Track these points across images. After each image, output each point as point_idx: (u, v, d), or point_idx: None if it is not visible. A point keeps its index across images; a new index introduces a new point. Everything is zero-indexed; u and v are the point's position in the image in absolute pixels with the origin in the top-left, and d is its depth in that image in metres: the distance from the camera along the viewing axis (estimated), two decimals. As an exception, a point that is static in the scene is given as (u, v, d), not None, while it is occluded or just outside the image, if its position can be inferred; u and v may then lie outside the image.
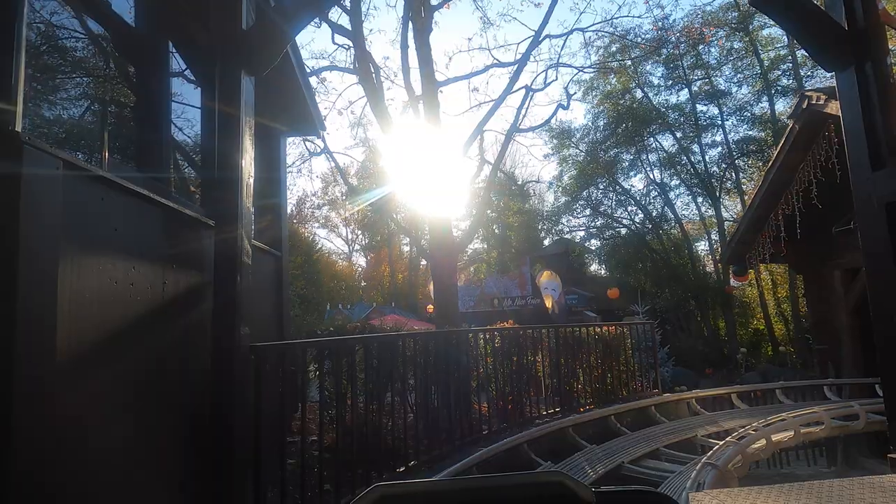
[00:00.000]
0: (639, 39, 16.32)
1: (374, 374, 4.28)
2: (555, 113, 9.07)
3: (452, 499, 0.76)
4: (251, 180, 2.73)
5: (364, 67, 7.82)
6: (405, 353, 4.49)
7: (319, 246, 42.93)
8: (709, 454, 4.07)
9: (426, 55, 7.94)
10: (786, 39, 23.28)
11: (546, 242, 29.83)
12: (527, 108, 9.29)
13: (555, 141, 24.28)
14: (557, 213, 24.75)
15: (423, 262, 39.40)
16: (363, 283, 43.00)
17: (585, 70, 12.39)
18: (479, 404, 5.50)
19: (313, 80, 9.17)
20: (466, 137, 8.10)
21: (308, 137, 8.87)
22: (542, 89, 8.81)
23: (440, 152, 7.91)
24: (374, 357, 4.40)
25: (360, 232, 44.91)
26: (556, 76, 10.68)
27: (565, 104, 9.07)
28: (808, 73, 22.57)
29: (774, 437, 4.65)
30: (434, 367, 4.86)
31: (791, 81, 22.38)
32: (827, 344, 8.68)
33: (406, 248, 38.97)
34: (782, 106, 23.45)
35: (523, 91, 8.52)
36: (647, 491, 0.82)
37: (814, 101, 6.78)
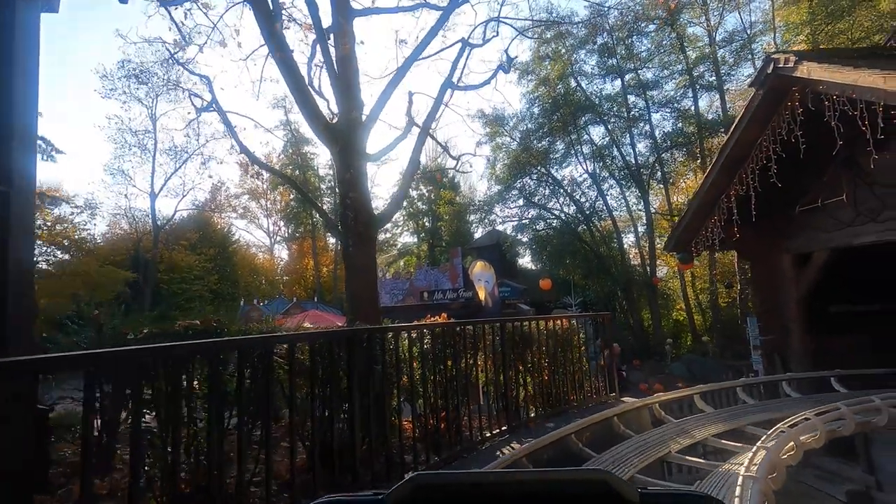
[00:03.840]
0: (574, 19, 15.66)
1: (241, 395, 2.81)
2: (495, 74, 7.81)
3: (493, 491, 0.74)
4: None
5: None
6: (292, 363, 3.04)
7: (237, 238, 39.64)
8: (744, 463, 3.28)
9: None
10: (707, 39, 24.01)
11: (478, 234, 29.08)
12: (464, 65, 8.04)
13: (488, 128, 23.40)
14: (490, 203, 23.88)
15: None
16: (285, 278, 40.19)
17: (526, 33, 11.31)
18: (400, 421, 4.16)
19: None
20: (388, 93, 6.63)
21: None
22: (480, 45, 7.54)
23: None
24: (246, 370, 2.92)
25: (282, 223, 41.99)
26: (497, 32, 9.77)
27: (506, 67, 7.88)
28: (728, 73, 23.36)
29: (802, 439, 3.95)
30: (333, 379, 3.45)
31: (713, 79, 23.02)
32: (775, 333, 8.23)
33: (332, 241, 36.82)
34: (704, 103, 24.18)
35: (460, 45, 7.27)
36: (693, 493, 0.81)
37: (781, 64, 6.07)
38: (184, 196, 36.24)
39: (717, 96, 23.31)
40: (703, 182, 8.08)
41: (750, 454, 3.46)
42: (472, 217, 25.92)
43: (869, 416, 4.78)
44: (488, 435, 4.44)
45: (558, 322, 5.79)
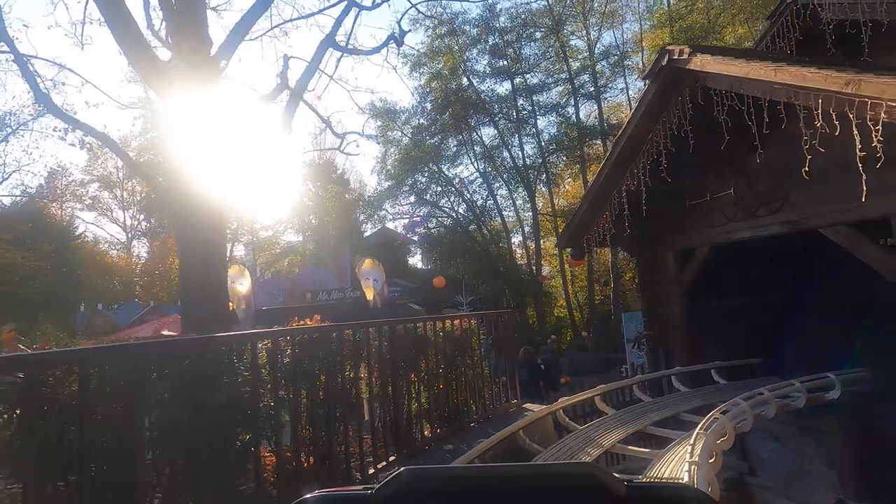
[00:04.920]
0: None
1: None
2: (386, 43, 6.96)
3: (482, 485, 0.75)
4: None
5: None
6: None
7: (82, 232, 33.82)
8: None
9: None
10: (587, 52, 25.53)
11: (368, 232, 27.89)
12: (352, 30, 7.03)
13: (379, 122, 22.42)
14: (380, 199, 22.89)
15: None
16: (145, 279, 35.16)
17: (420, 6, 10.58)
18: (258, 458, 3.10)
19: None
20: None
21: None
22: (369, 7, 6.61)
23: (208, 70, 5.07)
24: None
25: (142, 216, 36.79)
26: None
27: (398, 39, 7.05)
28: (605, 85, 25.03)
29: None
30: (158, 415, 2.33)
31: (592, 89, 24.51)
32: (657, 329, 8.40)
33: (203, 237, 32.87)
34: (584, 111, 25.66)
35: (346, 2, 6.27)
36: (679, 485, 0.75)
37: (675, 56, 6.01)
38: (4, 180, 29.75)
39: (596, 106, 24.86)
40: (597, 176, 7.98)
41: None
42: (362, 215, 24.66)
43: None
44: (371, 472, 3.53)
45: (455, 322, 5.09)
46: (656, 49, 23.40)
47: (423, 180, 22.16)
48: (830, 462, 5.76)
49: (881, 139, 4.25)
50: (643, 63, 25.47)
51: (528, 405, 5.25)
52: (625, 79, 25.56)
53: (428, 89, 21.02)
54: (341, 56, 6.19)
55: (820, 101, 4.63)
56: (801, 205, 5.98)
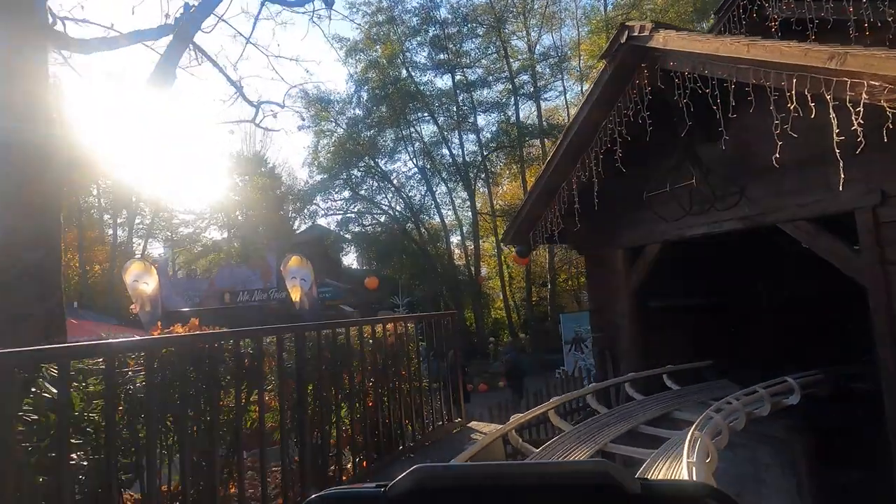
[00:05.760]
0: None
1: None
2: (311, -1, 5.88)
3: (495, 482, 0.74)
4: None
5: None
6: None
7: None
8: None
9: None
10: (528, 52, 25.52)
11: (300, 229, 26.17)
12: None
13: (311, 110, 20.97)
14: (312, 193, 21.43)
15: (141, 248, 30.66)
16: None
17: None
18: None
19: None
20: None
21: None
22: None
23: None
24: None
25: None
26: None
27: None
28: (545, 86, 25.11)
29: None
30: None
31: (532, 90, 24.47)
32: (605, 331, 7.96)
33: (110, 231, 29.63)
34: (525, 111, 25.60)
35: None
36: (695, 483, 0.80)
37: (636, 33, 5.50)
38: None
39: (535, 107, 24.85)
40: (546, 167, 7.40)
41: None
42: (291, 210, 23.02)
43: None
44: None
45: (389, 327, 4.20)
46: (594, 55, 23.89)
47: (359, 174, 20.99)
48: (787, 469, 5.47)
49: (861, 123, 3.90)
50: (580, 68, 25.86)
51: (474, 423, 4.46)
52: (563, 82, 25.81)
53: (365, 78, 19.89)
54: (259, 12, 5.13)
55: (794, 80, 4.24)
56: (759, 199, 5.66)
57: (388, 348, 4.07)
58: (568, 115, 22.94)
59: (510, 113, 23.76)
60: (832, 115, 4.04)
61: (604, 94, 6.22)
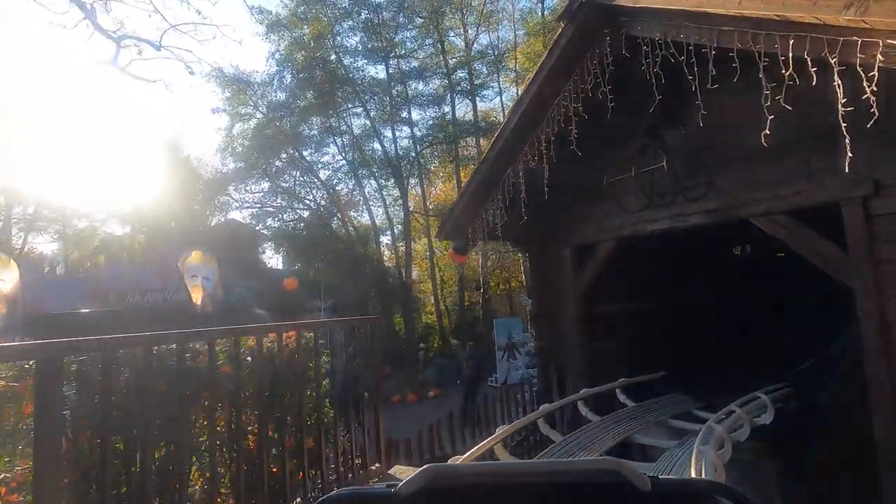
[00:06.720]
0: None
1: None
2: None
3: (506, 482, 0.74)
4: None
5: None
6: None
7: None
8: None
9: None
10: (465, 50, 24.88)
11: (211, 223, 23.60)
12: None
13: (227, 93, 18.86)
14: (224, 182, 19.25)
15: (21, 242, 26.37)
16: None
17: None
18: None
19: None
20: None
21: None
22: None
23: None
24: None
25: None
26: None
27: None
28: (482, 83, 24.57)
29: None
30: None
31: (469, 87, 23.82)
32: (549, 339, 7.13)
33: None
34: (461, 109, 24.89)
35: None
36: (706, 481, 0.63)
37: (601, -11, 4.67)
38: None
39: (471, 106, 24.22)
40: (490, 149, 6.44)
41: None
42: (198, 203, 20.61)
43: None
44: None
45: (287, 336, 2.98)
46: (530, 57, 23.66)
47: (280, 165, 19.12)
48: (756, 493, 4.86)
49: (874, 90, 3.25)
50: (516, 70, 25.59)
51: (398, 468, 3.32)
52: (499, 83, 25.42)
53: (289, 57, 18.10)
54: None
55: (792, 41, 3.57)
56: (729, 190, 5.02)
57: (279, 369, 2.84)
58: (504, 116, 22.50)
59: (446, 109, 22.98)
60: (837, 82, 3.36)
61: (560, 63, 5.35)
